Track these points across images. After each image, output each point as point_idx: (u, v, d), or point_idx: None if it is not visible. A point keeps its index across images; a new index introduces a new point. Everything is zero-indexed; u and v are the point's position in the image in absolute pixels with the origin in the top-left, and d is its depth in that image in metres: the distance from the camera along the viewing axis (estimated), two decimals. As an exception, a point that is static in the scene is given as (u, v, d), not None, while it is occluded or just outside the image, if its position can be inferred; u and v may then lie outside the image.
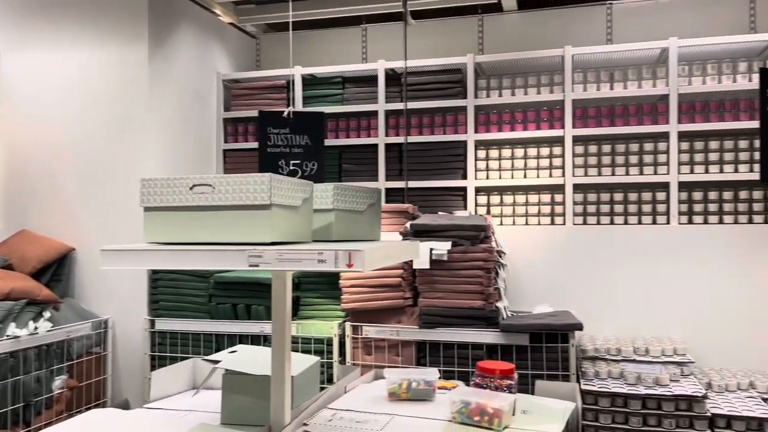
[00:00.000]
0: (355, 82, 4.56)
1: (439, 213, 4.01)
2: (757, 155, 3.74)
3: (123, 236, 3.81)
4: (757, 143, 3.71)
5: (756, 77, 3.77)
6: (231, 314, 3.75)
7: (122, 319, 3.98)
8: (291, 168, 4.06)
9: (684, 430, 3.24)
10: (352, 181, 4.37)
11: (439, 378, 2.43)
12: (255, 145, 4.47)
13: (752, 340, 3.72)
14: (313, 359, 2.42)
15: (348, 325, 3.56)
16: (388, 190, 4.41)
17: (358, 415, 2.09)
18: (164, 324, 3.85)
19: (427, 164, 4.37)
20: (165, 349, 3.85)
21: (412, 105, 4.36)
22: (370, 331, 3.52)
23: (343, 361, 3.57)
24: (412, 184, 4.34)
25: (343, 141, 4.53)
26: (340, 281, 3.57)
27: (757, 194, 3.85)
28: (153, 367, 3.79)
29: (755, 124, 3.59)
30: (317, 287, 3.79)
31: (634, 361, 3.58)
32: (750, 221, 3.84)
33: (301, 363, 2.28)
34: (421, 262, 3.41)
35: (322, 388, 2.43)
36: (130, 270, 3.86)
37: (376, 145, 4.44)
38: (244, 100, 4.75)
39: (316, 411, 2.13)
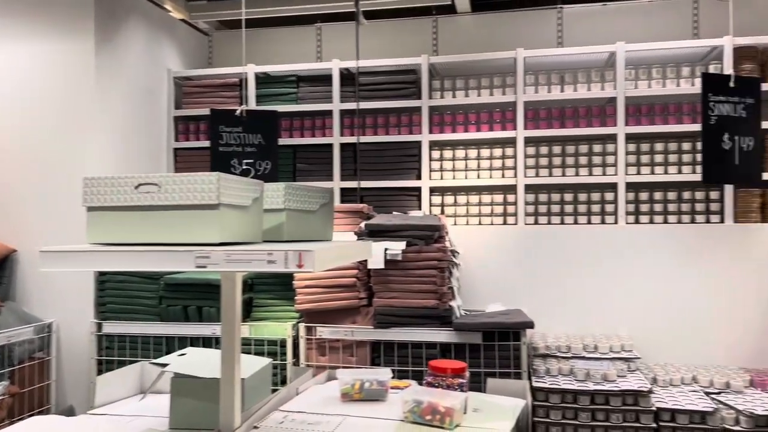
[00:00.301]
0: (309, 81, 4.53)
1: (394, 213, 4.02)
2: (699, 157, 3.87)
3: (68, 237, 3.69)
4: (699, 145, 3.83)
5: (698, 82, 3.90)
6: (182, 316, 3.67)
7: (67, 323, 3.85)
8: (244, 167, 4.00)
9: (630, 424, 3.33)
10: (307, 181, 4.34)
11: (393, 378, 2.43)
12: (207, 143, 4.38)
13: (695, 335, 3.85)
14: (265, 361, 2.39)
15: (302, 326, 3.53)
16: (343, 190, 4.40)
17: (310, 417, 2.08)
18: (112, 327, 3.74)
19: (382, 164, 4.37)
20: (113, 354, 3.74)
21: (367, 105, 4.35)
22: (325, 331, 3.50)
23: (296, 363, 3.54)
24: (367, 184, 4.34)
25: (297, 140, 4.49)
26: (294, 282, 3.53)
27: (699, 195, 3.99)
28: (100, 372, 3.67)
29: (697, 127, 3.71)
30: (271, 288, 3.74)
31: (583, 358, 3.66)
32: (692, 221, 3.98)
33: (253, 365, 2.25)
34: (376, 262, 3.41)
35: (274, 390, 2.41)
36: (76, 272, 3.74)
37: (330, 145, 4.42)
38: (196, 98, 4.66)
39: (267, 413, 2.11)
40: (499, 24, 4.67)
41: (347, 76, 4.46)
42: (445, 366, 2.22)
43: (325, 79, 4.46)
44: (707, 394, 3.44)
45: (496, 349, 3.33)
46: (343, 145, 4.42)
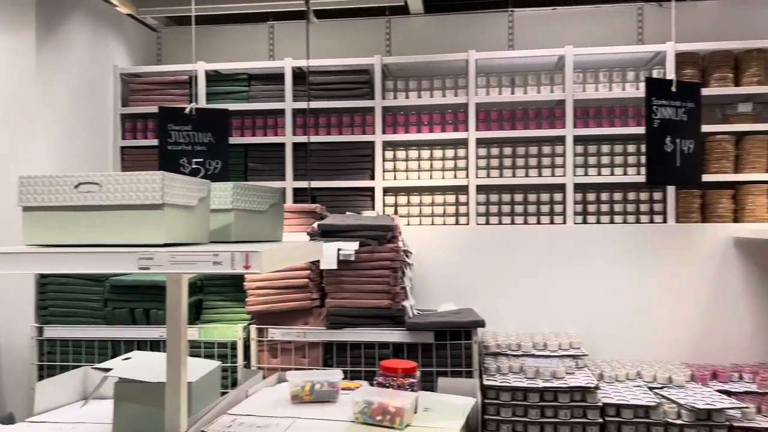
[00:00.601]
0: (261, 80, 4.48)
1: (347, 213, 4.01)
2: (643, 159, 3.99)
3: (8, 238, 3.54)
4: (643, 148, 3.94)
5: (643, 86, 4.02)
6: (129, 319, 3.57)
7: (6, 327, 3.69)
8: (193, 166, 3.92)
9: (578, 420, 3.40)
10: (259, 181, 4.29)
11: (344, 378, 2.42)
12: (155, 142, 4.29)
13: (640, 332, 3.97)
14: (214, 364, 2.34)
15: (253, 327, 3.48)
16: (295, 189, 4.36)
17: (259, 420, 2.05)
18: (54, 331, 3.61)
19: (336, 164, 4.36)
20: (55, 359, 3.61)
21: (320, 104, 4.33)
22: (276, 333, 3.46)
23: (248, 365, 3.49)
24: (320, 184, 4.32)
25: (248, 139, 4.43)
26: (245, 283, 3.48)
27: (644, 196, 4.11)
28: (41, 378, 3.53)
29: (641, 129, 3.82)
30: (221, 290, 3.67)
31: (533, 355, 3.73)
32: (637, 221, 4.10)
33: (200, 368, 2.20)
34: (328, 263, 3.39)
35: (223, 394, 2.36)
36: (12, 274, 3.59)
37: (283, 144, 4.38)
38: (144, 95, 4.54)
39: (215, 417, 2.07)
40: (451, 26, 4.72)
41: (300, 75, 4.43)
42: (396, 366, 2.22)
43: (277, 77, 4.42)
44: (651, 389, 3.54)
45: (448, 348, 3.36)
46: (295, 145, 4.38)
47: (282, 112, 4.38)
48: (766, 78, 3.98)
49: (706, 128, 3.87)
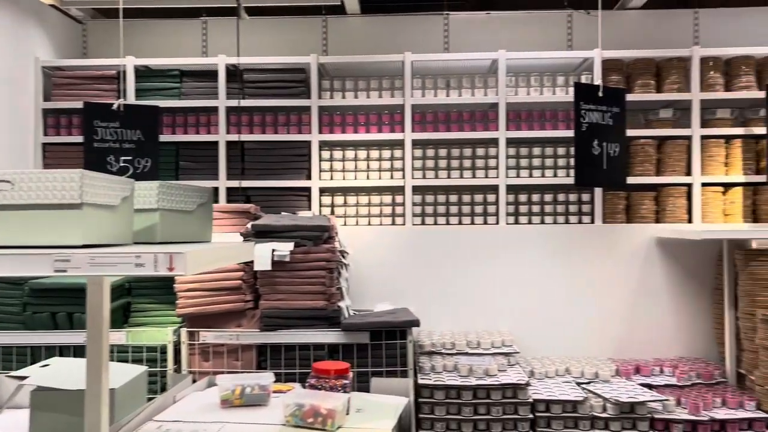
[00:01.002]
0: (194, 77, 4.36)
1: (283, 213, 3.96)
2: (572, 161, 4.11)
3: None
4: (572, 151, 4.07)
5: (572, 90, 4.15)
6: (50, 324, 3.40)
7: None
8: (121, 165, 3.78)
9: (510, 417, 3.48)
10: (191, 180, 4.18)
11: (276, 381, 2.39)
12: (80, 139, 4.10)
13: (569, 329, 4.09)
14: (139, 369, 2.26)
15: (184, 331, 3.39)
16: (229, 189, 4.27)
17: (186, 426, 1.99)
18: (-33, 338, 3.40)
19: (271, 164, 4.30)
20: (-32, 367, 3.40)
21: (255, 103, 4.26)
22: (208, 336, 3.38)
23: (178, 370, 3.39)
24: (255, 183, 4.25)
25: (180, 137, 4.31)
26: (176, 285, 3.38)
27: (573, 197, 4.24)
28: (-47, 388, 3.32)
29: (571, 133, 3.94)
30: (150, 292, 3.56)
31: (466, 354, 3.79)
32: (567, 221, 4.23)
33: (125, 374, 2.12)
34: (263, 264, 3.34)
35: (150, 400, 2.28)
36: None
37: (216, 143, 4.28)
38: (68, 90, 4.34)
39: (140, 425, 2.00)
40: (388, 27, 4.74)
41: (234, 73, 4.34)
42: (329, 367, 2.21)
43: (210, 74, 4.32)
44: (579, 384, 3.66)
45: (383, 348, 3.36)
46: (229, 143, 4.29)
47: (215, 109, 4.29)
48: (685, 85, 4.18)
49: (630, 132, 4.03)
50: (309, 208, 4.26)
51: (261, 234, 3.44)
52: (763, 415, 3.38)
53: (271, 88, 4.29)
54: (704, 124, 4.17)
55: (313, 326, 3.38)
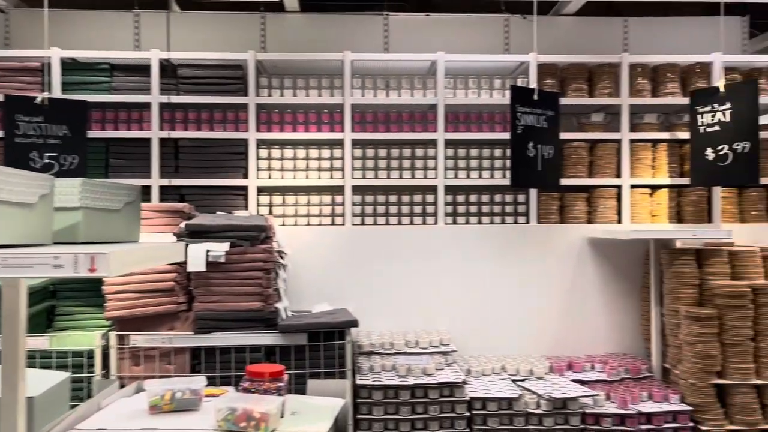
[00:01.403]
0: (125, 71, 4.20)
1: (218, 213, 3.86)
2: (509, 163, 4.19)
3: None
4: (509, 152, 4.14)
5: (509, 93, 4.22)
6: (-35, 330, 3.20)
7: None
8: (46, 161, 3.60)
9: (447, 415, 3.51)
10: (122, 178, 4.02)
11: (209, 385, 2.32)
12: (1, 134, 3.89)
13: (505, 327, 4.17)
14: (62, 376, 2.16)
15: (113, 334, 3.27)
16: (163, 188, 4.13)
17: (112, 434, 1.91)
18: None
19: (206, 162, 4.18)
20: None
21: (190, 99, 4.15)
22: (139, 339, 3.27)
23: (106, 375, 3.26)
24: (190, 182, 4.13)
25: (110, 133, 4.14)
26: (104, 287, 3.26)
27: (509, 198, 4.32)
28: None
29: (507, 135, 4.00)
30: (77, 294, 3.43)
31: (405, 353, 3.80)
32: (503, 222, 4.30)
33: (45, 381, 2.02)
34: (196, 264, 3.26)
35: (74, 407, 2.18)
36: None
37: (149, 140, 4.14)
38: (-11, 82, 4.11)
39: (61, 434, 1.90)
40: (327, 26, 4.70)
41: (168, 68, 4.21)
42: (263, 370, 2.16)
43: (142, 69, 4.17)
44: (514, 381, 3.73)
45: (321, 349, 3.34)
46: (162, 140, 4.15)
47: (148, 105, 4.14)
48: (615, 90, 4.32)
49: (563, 135, 4.14)
50: (246, 207, 4.18)
51: (195, 234, 3.35)
52: (686, 407, 3.53)
53: (207, 85, 4.18)
54: (633, 128, 4.33)
55: (250, 328, 3.32)
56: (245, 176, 4.19)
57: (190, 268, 3.24)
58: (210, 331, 3.28)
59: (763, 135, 4.08)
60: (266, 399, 2.01)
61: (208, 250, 3.28)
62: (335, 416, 2.15)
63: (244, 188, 4.20)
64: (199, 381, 2.19)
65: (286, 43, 4.63)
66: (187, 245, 3.25)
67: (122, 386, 2.49)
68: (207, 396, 2.25)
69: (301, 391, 2.65)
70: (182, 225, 3.39)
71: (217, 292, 3.32)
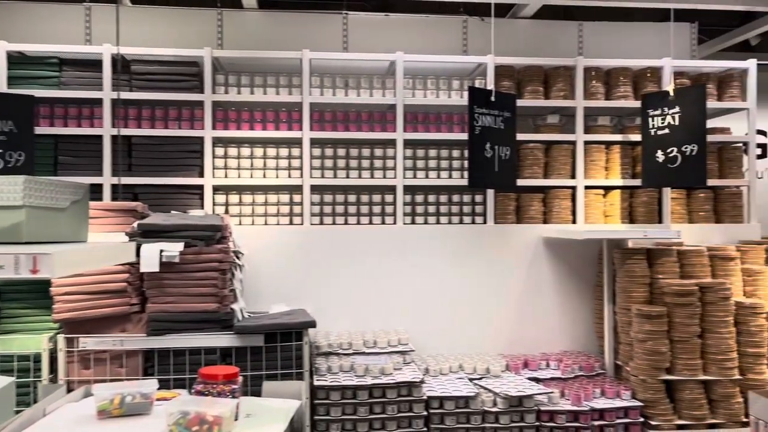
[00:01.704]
0: (75, 66, 4.08)
1: (172, 212, 3.78)
2: (466, 163, 4.23)
3: None
4: (467, 153, 4.18)
5: (467, 94, 4.26)
6: None
7: None
8: (-10, 158, 3.47)
9: (404, 414, 3.52)
10: (71, 176, 3.90)
11: (160, 388, 2.27)
12: (-58, 129, 3.73)
13: (463, 326, 4.20)
14: (5, 381, 2.07)
15: (61, 337, 3.16)
16: (114, 186, 4.02)
17: (57, 441, 1.84)
18: None
19: (161, 160, 4.10)
20: None
21: (144, 96, 4.05)
22: (89, 342, 3.18)
23: (54, 380, 3.16)
24: (144, 180, 4.04)
25: (59, 130, 4.01)
26: (52, 289, 3.15)
27: (467, 198, 4.35)
28: None
29: (465, 136, 4.04)
30: (23, 296, 3.32)
31: (363, 353, 3.79)
32: (461, 222, 4.33)
33: (-14, 387, 1.93)
34: (150, 265, 3.18)
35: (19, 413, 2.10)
36: None
37: (100, 137, 4.03)
38: (-71, 75, 3.93)
39: (3, 442, 1.83)
40: (286, 24, 4.66)
41: (122, 63, 4.09)
42: (216, 372, 2.12)
43: (94, 64, 4.05)
44: (471, 380, 3.76)
45: (278, 350, 3.30)
46: (115, 138, 4.04)
47: (99, 101, 4.03)
48: (570, 93, 4.40)
49: (520, 137, 4.20)
50: (202, 207, 4.10)
51: (148, 234, 3.27)
52: (637, 403, 3.63)
53: (161, 81, 4.09)
54: (587, 130, 4.42)
55: (205, 330, 3.26)
56: (201, 175, 4.12)
57: (143, 268, 3.17)
58: (163, 333, 3.21)
59: (710, 138, 4.22)
60: (220, 402, 1.97)
61: (161, 250, 3.21)
62: (291, 418, 2.13)
63: (200, 187, 4.12)
64: (150, 384, 2.14)
65: (243, 40, 4.57)
66: (139, 245, 3.18)
67: (70, 391, 2.41)
68: (159, 400, 2.19)
69: (258, 393, 2.62)
70: (135, 224, 3.30)
71: (171, 293, 3.25)
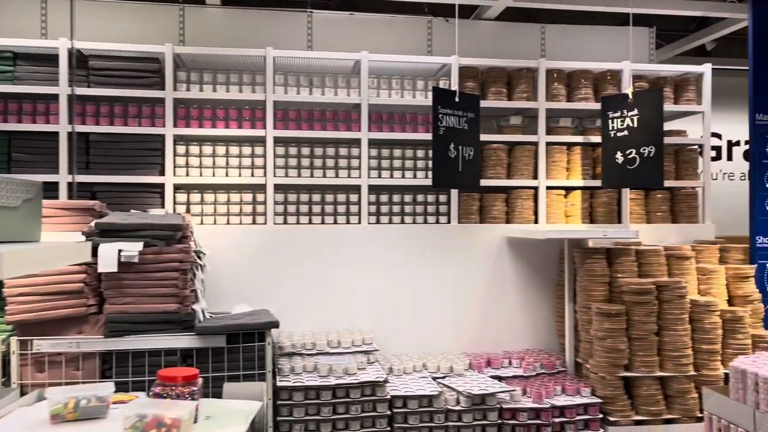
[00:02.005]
0: (30, 60, 3.96)
1: (132, 211, 3.71)
2: (431, 163, 4.24)
3: None
4: (431, 153, 4.19)
5: (431, 95, 4.28)
6: None
7: None
8: (-61, 155, 3.34)
9: (368, 414, 3.52)
10: (26, 173, 3.79)
11: (118, 391, 2.22)
12: None
13: (427, 325, 4.22)
14: (-47, 386, 2.00)
15: (14, 339, 3.07)
16: (71, 185, 3.92)
17: (8, 447, 1.79)
18: None
19: (120, 158, 4.01)
20: None
21: (102, 92, 3.96)
22: (43, 344, 3.09)
23: (7, 383, 3.06)
24: (102, 179, 3.95)
25: (13, 126, 3.90)
26: (5, 289, 3.06)
27: (431, 198, 4.37)
28: None
29: (429, 136, 4.05)
30: (-26, 298, 3.18)
31: (327, 353, 3.78)
32: (425, 221, 4.35)
33: (-68, 392, 1.86)
34: (107, 265, 3.11)
35: (-33, 420, 2.03)
36: None
37: (56, 133, 3.92)
38: None
39: (-51, 449, 1.76)
40: (250, 21, 4.61)
41: (79, 58, 4.00)
42: (175, 374, 2.09)
43: (50, 58, 3.94)
44: (435, 379, 3.78)
45: (240, 351, 3.26)
46: (72, 135, 3.94)
47: (55, 97, 3.92)
48: (533, 94, 4.46)
49: (484, 137, 4.23)
50: (162, 206, 4.03)
51: (106, 233, 3.20)
52: (596, 400, 3.69)
53: (120, 77, 4.01)
54: (549, 131, 4.48)
55: (165, 331, 3.20)
56: (162, 173, 4.05)
57: (101, 268, 3.09)
58: (122, 335, 3.14)
59: (667, 140, 4.33)
60: (179, 404, 1.94)
61: (120, 250, 3.14)
62: (251, 419, 2.11)
63: (161, 186, 4.05)
64: (106, 387, 2.09)
65: (206, 36, 4.50)
66: (97, 245, 3.11)
67: (24, 394, 2.34)
68: (115, 403, 2.15)
69: (220, 395, 2.58)
70: (92, 224, 3.23)
71: (131, 294, 3.18)
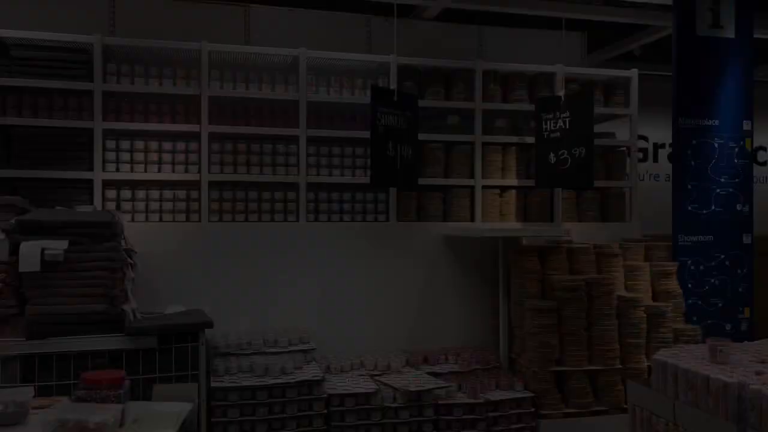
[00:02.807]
0: (-55, 47, 3.74)
1: (57, 208, 3.55)
2: (369, 162, 4.24)
3: None
4: (369, 151, 4.19)
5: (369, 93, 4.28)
6: None
7: None
8: None
9: (305, 413, 3.49)
10: (-60, 168, 3.57)
11: (39, 396, 2.12)
12: None
13: (366, 323, 4.21)
14: None
15: (-75, 344, 2.89)
16: (-9, 179, 3.72)
17: None
18: None
19: (45, 152, 3.84)
20: None
21: (25, 83, 3.77)
22: (-42, 349, 2.92)
23: None
24: (25, 174, 3.76)
25: (-74, 117, 3.67)
26: None
27: (370, 196, 4.37)
28: None
29: (368, 134, 4.05)
30: None
31: (264, 353, 3.72)
32: (364, 220, 4.35)
33: None
34: (30, 264, 2.99)
35: None
36: None
37: (-27, 126, 3.72)
38: None
39: None
40: (184, 13, 4.48)
41: (0, 47, 3.79)
42: (100, 377, 2.01)
43: (-33, 46, 3.73)
44: (372, 376, 3.79)
45: (172, 352, 3.18)
46: (-10, 128, 3.74)
47: (-27, 88, 3.71)
48: (470, 95, 4.52)
49: (421, 137, 4.26)
50: (91, 202, 3.87)
51: (28, 230, 3.06)
52: (529, 394, 3.79)
53: (45, 68, 3.83)
54: (485, 131, 4.55)
55: (93, 332, 3.09)
56: (90, 168, 3.89)
57: (22, 268, 2.96)
58: (45, 336, 3.01)
59: (597, 142, 4.48)
60: (104, 408, 1.87)
61: (43, 249, 3.01)
62: (181, 421, 2.06)
63: (89, 182, 3.89)
64: (24, 392, 2.00)
65: (138, 28, 4.33)
66: (18, 243, 2.97)
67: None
68: (35, 408, 2.05)
69: (149, 397, 2.52)
70: (13, 220, 3.08)
71: (55, 294, 3.06)
